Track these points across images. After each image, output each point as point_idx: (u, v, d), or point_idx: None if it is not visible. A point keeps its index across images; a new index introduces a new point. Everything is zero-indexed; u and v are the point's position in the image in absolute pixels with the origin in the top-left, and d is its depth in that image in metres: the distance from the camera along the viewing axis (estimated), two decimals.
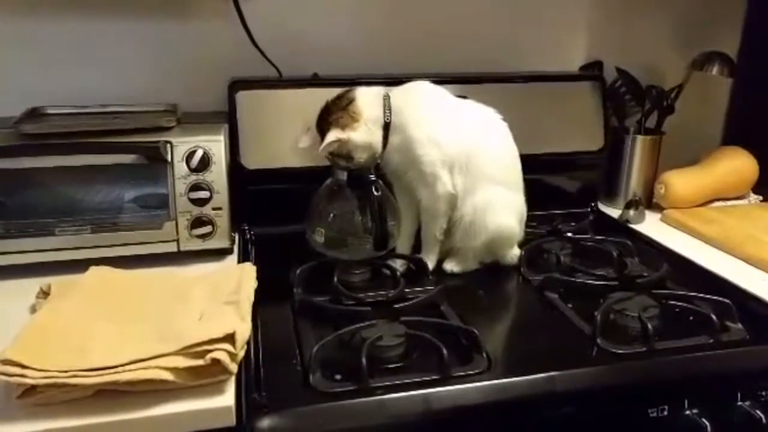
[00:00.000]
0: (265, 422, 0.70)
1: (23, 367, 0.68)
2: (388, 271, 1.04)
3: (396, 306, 0.90)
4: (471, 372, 0.78)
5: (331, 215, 1.06)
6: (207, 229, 1.03)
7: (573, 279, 1.03)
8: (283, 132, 1.15)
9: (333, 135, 0.99)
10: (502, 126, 1.08)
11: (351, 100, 1.02)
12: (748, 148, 1.41)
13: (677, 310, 0.94)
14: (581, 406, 0.80)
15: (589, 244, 1.16)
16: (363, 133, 1.01)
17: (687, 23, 1.46)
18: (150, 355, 0.71)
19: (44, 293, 0.89)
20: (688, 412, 0.82)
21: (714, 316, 0.88)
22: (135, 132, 1.01)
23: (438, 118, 1.03)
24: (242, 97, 1.15)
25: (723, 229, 1.21)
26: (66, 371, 0.68)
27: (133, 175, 1.02)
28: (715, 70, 1.34)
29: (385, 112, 1.02)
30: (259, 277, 0.93)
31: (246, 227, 1.17)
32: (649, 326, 0.86)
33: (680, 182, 1.34)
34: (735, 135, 1.52)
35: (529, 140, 1.10)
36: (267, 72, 1.23)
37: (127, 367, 0.69)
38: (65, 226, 0.99)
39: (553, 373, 0.79)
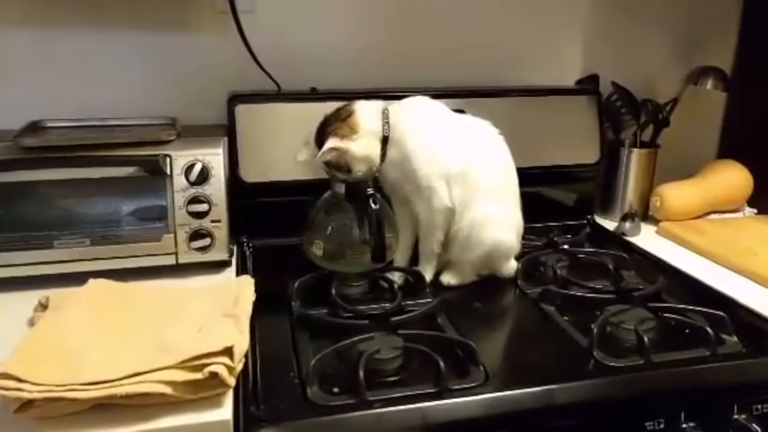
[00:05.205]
0: None
1: (20, 380, 0.67)
2: (385, 284, 1.05)
3: (394, 319, 0.90)
4: (468, 385, 0.78)
5: (329, 228, 1.06)
6: (206, 241, 1.04)
7: (569, 292, 1.03)
8: (281, 145, 1.15)
9: (331, 142, 1.00)
10: (499, 139, 1.09)
11: (350, 113, 1.03)
12: (742, 161, 1.42)
13: (673, 322, 0.94)
14: (578, 419, 0.80)
15: (585, 256, 1.17)
16: (361, 145, 1.01)
17: (682, 38, 1.48)
18: (148, 369, 0.71)
19: (42, 306, 0.89)
20: (684, 425, 0.82)
21: (709, 329, 0.89)
22: (134, 145, 1.02)
23: (435, 133, 1.04)
24: (241, 110, 1.16)
25: (718, 242, 1.22)
26: (63, 385, 0.68)
27: (132, 188, 1.02)
28: (709, 84, 1.36)
29: (383, 126, 1.03)
30: (257, 290, 0.93)
31: (244, 240, 1.18)
32: (646, 339, 0.86)
33: (675, 195, 1.35)
34: (730, 148, 1.53)
35: (526, 153, 1.11)
36: (266, 86, 1.23)
37: (124, 381, 0.69)
38: (64, 238, 0.99)
39: (549, 386, 0.79)
